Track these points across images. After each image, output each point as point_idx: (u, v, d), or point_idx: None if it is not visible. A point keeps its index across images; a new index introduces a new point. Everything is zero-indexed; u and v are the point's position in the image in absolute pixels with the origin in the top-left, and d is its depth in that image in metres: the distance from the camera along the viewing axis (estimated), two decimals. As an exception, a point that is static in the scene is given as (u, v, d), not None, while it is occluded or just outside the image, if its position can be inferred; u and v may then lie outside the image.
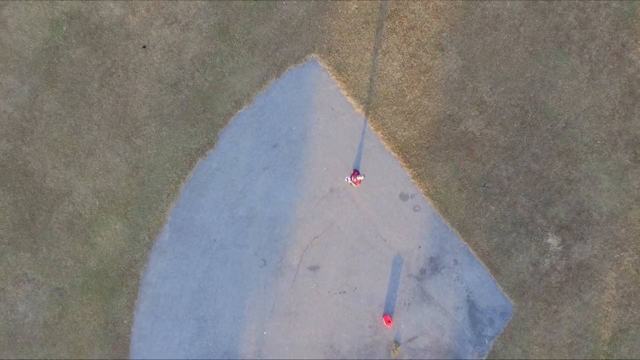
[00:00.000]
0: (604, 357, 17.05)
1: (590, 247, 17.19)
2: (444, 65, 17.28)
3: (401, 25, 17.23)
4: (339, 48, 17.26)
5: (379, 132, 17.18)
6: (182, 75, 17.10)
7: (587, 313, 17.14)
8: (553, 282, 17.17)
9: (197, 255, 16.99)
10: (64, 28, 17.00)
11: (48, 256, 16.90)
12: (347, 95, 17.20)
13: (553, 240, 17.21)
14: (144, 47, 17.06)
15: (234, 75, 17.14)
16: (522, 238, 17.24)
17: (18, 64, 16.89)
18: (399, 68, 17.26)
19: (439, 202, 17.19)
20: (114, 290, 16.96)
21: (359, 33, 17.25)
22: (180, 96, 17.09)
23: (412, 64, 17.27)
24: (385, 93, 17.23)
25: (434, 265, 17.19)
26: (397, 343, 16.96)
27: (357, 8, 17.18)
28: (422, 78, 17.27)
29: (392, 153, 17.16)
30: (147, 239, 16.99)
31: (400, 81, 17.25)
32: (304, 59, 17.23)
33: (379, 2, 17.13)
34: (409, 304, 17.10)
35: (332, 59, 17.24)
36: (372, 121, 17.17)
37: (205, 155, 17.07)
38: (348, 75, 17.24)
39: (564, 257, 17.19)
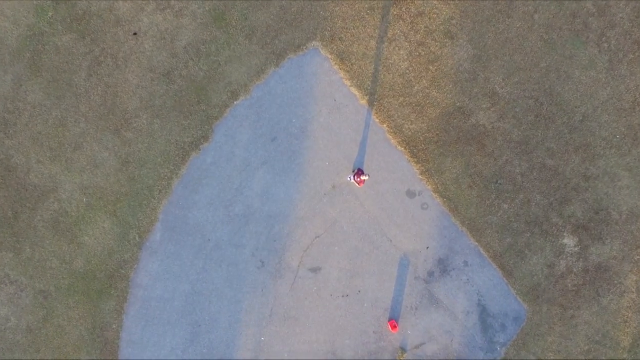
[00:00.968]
0: (623, 365, 16.05)
1: (609, 247, 16.16)
2: (453, 54, 16.23)
3: (408, 11, 16.18)
4: (342, 35, 16.21)
5: (385, 125, 16.14)
6: (175, 64, 16.06)
7: (605, 318, 16.11)
8: (569, 285, 16.14)
9: (190, 255, 15.95)
10: (50, 13, 15.95)
11: (32, 256, 15.86)
12: (351, 85, 16.16)
13: (569, 241, 16.18)
14: (135, 34, 16.02)
15: (230, 64, 16.10)
16: (536, 238, 16.20)
17: (0, 52, 15.85)
18: (405, 57, 16.22)
19: (448, 200, 16.15)
20: (102, 293, 15.92)
21: (363, 19, 16.20)
22: (173, 86, 16.05)
23: (419, 53, 16.23)
24: (391, 83, 16.18)
25: (442, 267, 16.15)
26: (403, 350, 15.92)
27: (361, -7, 16.16)
28: (431, 68, 16.23)
29: (399, 147, 16.12)
30: (137, 238, 15.95)
31: (407, 71, 16.20)
32: (304, 47, 16.18)
33: (385, -14, 16.13)
34: (416, 308, 16.06)
35: (335, 47, 16.19)
36: (377, 113, 16.13)
37: (200, 149, 16.03)
38: (352, 64, 16.19)
39: (581, 259, 16.16)
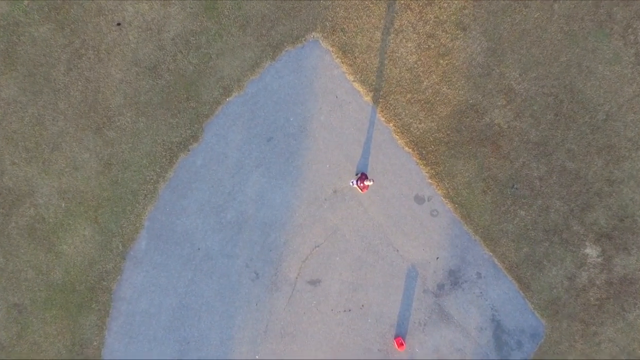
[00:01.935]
0: (651, 388, 14.69)
1: (635, 258, 14.80)
2: (466, 47, 14.87)
3: (417, 0, 14.82)
4: (345, 26, 14.85)
5: (391, 124, 14.78)
6: (162, 58, 14.71)
7: (631, 335, 14.76)
8: (591, 299, 14.78)
9: (178, 266, 14.60)
10: (25, 2, 14.61)
11: (5, 267, 14.52)
12: (354, 80, 14.80)
13: (592, 251, 14.82)
14: (119, 24, 14.67)
15: (223, 57, 14.75)
16: (555, 248, 14.84)
17: (-29, 44, 14.55)
18: (414, 50, 14.85)
19: (460, 206, 14.79)
20: (82, 307, 14.58)
21: (367, 9, 14.84)
22: (160, 81, 14.69)
23: (429, 46, 14.87)
24: (398, 79, 14.82)
25: (453, 279, 14.79)
26: (410, 369, 14.58)
27: (365, -20, 14.81)
28: (441, 62, 14.86)
29: (406, 148, 14.76)
30: (120, 247, 14.61)
31: (415, 65, 14.84)
32: (303, 39, 14.82)
33: (392, -27, 14.77)
34: (425, 324, 14.70)
35: (337, 38, 14.83)
36: (383, 111, 14.77)
37: (189, 150, 14.67)
38: (355, 57, 14.83)
39: (605, 270, 14.80)
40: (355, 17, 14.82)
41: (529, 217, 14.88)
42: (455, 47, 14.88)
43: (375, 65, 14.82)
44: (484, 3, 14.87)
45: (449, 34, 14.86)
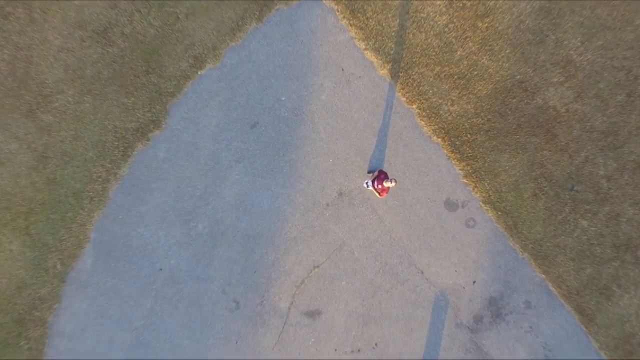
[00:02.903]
0: None
1: None
2: (512, 6, 11.36)
3: (448, -56, 11.33)
4: (354, -23, 11.35)
5: (414, 106, 11.27)
6: (114, 18, 11.21)
7: None
8: (675, 335, 11.29)
9: (134, 292, 11.11)
10: None
11: None
12: (366, 49, 11.28)
13: (675, 273, 11.33)
14: (58, -25, 11.20)
15: (194, 17, 11.25)
16: (628, 269, 11.35)
17: None
18: (444, 9, 11.34)
19: (504, 214, 11.30)
20: (8, 345, 11.11)
21: (384, -45, 11.34)
22: (111, 50, 11.20)
23: (464, 4, 11.36)
24: (424, 47, 11.31)
25: (495, 310, 11.30)
26: None
27: None
28: (480, 25, 11.35)
29: (434, 138, 11.26)
30: (59, 266, 11.12)
31: (446, 29, 11.33)
32: (299, -6, 11.35)
33: None
34: (458, 369, 11.23)
35: (343, -7, 11.34)
36: (403, 89, 11.26)
37: (148, 140, 11.18)
38: (367, 19, 11.31)
39: (692, 298, 11.32)
40: (367, -34, 11.32)
41: (593, 229, 11.38)
42: (497, 6, 11.37)
43: (394, 29, 11.29)
44: (535, -51, 11.37)
45: (489, -11, 11.36)
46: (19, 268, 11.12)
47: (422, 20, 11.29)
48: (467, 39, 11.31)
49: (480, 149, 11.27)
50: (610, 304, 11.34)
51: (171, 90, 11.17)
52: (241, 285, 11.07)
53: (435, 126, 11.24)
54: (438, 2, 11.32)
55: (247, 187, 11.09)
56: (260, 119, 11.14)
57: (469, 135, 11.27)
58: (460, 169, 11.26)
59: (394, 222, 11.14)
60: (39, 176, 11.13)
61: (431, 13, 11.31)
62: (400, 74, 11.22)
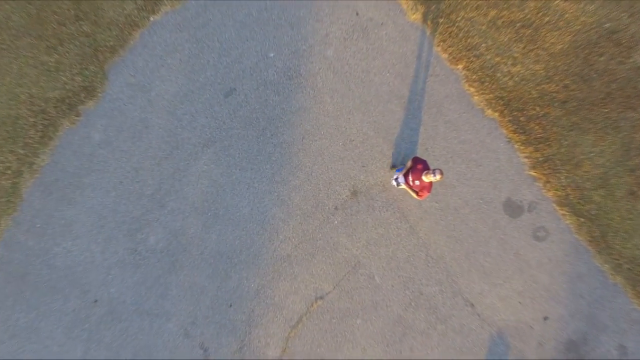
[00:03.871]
0: None
1: None
2: None
3: None
4: None
5: (461, 66, 7.88)
6: (31, -58, 7.85)
7: None
8: None
9: (59, 333, 7.72)
10: None
11: None
12: (391, -16, 7.90)
13: None
14: None
15: (144, -60, 7.87)
16: None
17: None
18: None
19: (589, 221, 7.90)
20: None
21: None
22: (27, -13, 7.84)
23: None
24: (474, -20, 7.93)
25: (576, 355, 7.90)
26: None
27: None
28: (552, -49, 7.97)
29: (489, 112, 7.87)
30: (-49, 296, 7.76)
31: (505, -44, 7.95)
32: None
33: None
34: None
35: None
36: (444, 42, 7.87)
37: (78, 115, 7.80)
38: (392, -58, 7.93)
39: None
40: None
41: None
42: None
43: (430, -44, 7.91)
44: None
45: None
46: None
47: (471, -57, 7.91)
48: (535, -28, 7.93)
49: (555, 128, 7.87)
50: None
51: (111, 43, 7.79)
52: (211, 325, 7.67)
53: (491, 95, 7.84)
54: None
55: (220, 182, 7.69)
56: (238, 84, 7.74)
57: (538, 109, 7.87)
58: (525, 157, 7.86)
59: (431, 233, 7.74)
60: None
61: None
62: (440, 20, 7.82)
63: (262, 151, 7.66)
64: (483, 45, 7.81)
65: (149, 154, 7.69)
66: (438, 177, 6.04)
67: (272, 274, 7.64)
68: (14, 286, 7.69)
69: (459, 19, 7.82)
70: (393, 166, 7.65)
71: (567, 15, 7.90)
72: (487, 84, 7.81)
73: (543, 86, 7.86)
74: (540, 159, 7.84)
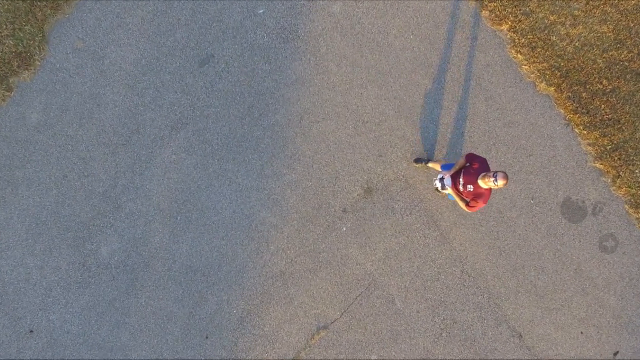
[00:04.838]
0: None
1: None
2: None
3: None
4: None
5: (505, 27, 6.13)
6: None
7: None
8: None
9: (-19, 373, 5.97)
10: None
11: None
12: None
13: None
14: None
15: None
16: None
17: None
18: None
19: (671, 227, 6.16)
20: None
21: None
22: None
23: None
24: None
25: (651, 403, 6.16)
26: None
27: None
28: None
29: (542, 86, 6.12)
30: None
31: None
32: None
33: None
34: None
35: None
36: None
37: (10, 90, 6.05)
38: None
39: None
40: None
41: None
42: None
43: None
44: None
45: None
46: None
47: None
48: None
49: (627, 107, 6.13)
50: None
51: (51, 4, 6.02)
52: (190, 350, 5.91)
53: (544, 64, 6.08)
54: None
55: (193, 177, 5.92)
56: (217, 49, 5.97)
57: (605, 82, 6.11)
58: (589, 144, 6.11)
59: (468, 243, 5.97)
60: None
61: None
62: (481, -30, 6.07)
63: (247, 136, 5.89)
64: (537, 7, 6.05)
65: (102, 140, 5.92)
66: (500, 183, 4.26)
67: (261, 296, 5.87)
68: None
69: (503, -34, 6.07)
70: (417, 159, 5.88)
71: (640, -37, 6.16)
72: (539, 50, 6.05)
73: (612, 53, 6.11)
74: (609, 146, 6.09)
